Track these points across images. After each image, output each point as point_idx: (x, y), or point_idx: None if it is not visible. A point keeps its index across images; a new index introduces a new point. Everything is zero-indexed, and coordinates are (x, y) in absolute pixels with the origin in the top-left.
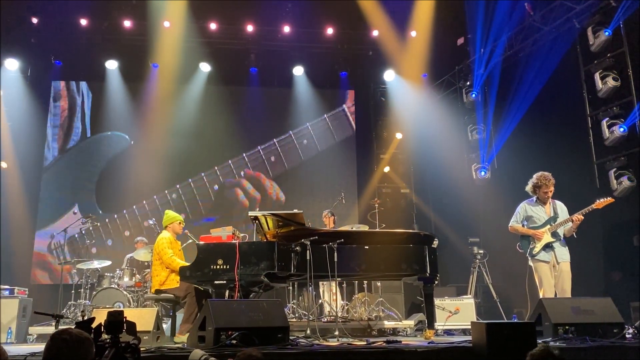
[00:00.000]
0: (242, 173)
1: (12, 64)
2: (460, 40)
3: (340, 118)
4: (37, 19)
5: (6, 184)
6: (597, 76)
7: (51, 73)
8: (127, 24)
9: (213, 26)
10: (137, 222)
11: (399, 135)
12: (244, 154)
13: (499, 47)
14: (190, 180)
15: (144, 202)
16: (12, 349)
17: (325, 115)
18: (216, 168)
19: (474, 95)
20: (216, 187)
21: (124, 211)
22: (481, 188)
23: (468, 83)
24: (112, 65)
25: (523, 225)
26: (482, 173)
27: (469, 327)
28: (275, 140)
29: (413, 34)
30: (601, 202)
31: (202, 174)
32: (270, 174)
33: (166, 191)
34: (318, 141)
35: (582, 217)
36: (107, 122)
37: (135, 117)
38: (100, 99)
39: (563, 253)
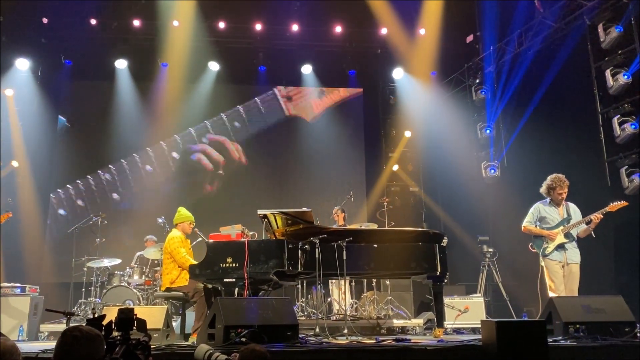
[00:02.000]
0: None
1: (23, 64)
2: (470, 38)
3: (270, 101)
4: (48, 19)
5: (18, 183)
6: (608, 73)
7: (61, 72)
8: (137, 23)
9: (222, 25)
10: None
11: (407, 134)
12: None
13: (508, 44)
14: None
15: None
16: (23, 346)
17: (256, 98)
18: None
19: (483, 92)
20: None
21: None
22: (491, 186)
23: (477, 81)
24: (121, 64)
25: (536, 226)
26: (492, 171)
27: (479, 325)
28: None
29: (422, 31)
30: (615, 205)
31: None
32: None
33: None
34: (250, 123)
35: (602, 216)
36: (116, 120)
37: (145, 116)
38: (110, 98)
39: (574, 254)
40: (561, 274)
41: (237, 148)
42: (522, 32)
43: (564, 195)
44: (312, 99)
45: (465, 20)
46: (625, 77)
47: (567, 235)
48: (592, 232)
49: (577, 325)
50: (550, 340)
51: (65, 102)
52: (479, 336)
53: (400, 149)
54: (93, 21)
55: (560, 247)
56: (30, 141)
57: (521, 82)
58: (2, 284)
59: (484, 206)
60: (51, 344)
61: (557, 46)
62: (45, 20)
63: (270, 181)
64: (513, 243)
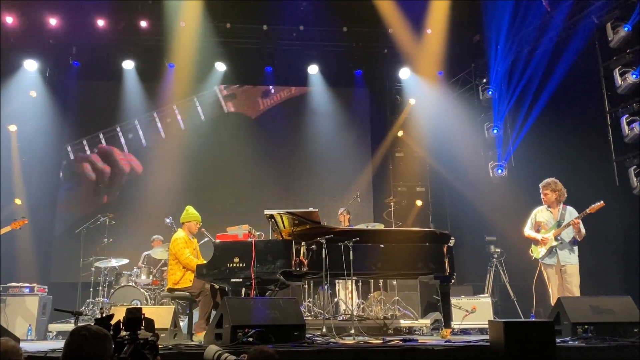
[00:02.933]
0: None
1: (32, 65)
2: (477, 38)
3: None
4: (56, 20)
5: (25, 183)
6: (616, 72)
7: (69, 73)
8: (144, 24)
9: (228, 26)
10: None
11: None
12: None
13: (515, 43)
14: None
15: None
16: (32, 346)
17: (194, 97)
18: None
19: (490, 92)
20: None
21: None
22: (498, 186)
23: (484, 80)
24: (128, 65)
25: (538, 231)
26: (499, 171)
27: (486, 326)
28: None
29: (428, 31)
30: (594, 207)
31: None
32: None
33: None
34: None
35: (579, 221)
36: (124, 122)
37: (152, 117)
38: (117, 99)
39: (567, 256)
40: (556, 278)
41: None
42: (529, 31)
43: (547, 198)
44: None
45: (472, 20)
46: (634, 76)
47: (558, 237)
48: (577, 236)
49: (586, 326)
50: (558, 341)
51: (73, 103)
52: (487, 336)
53: (407, 148)
54: (101, 22)
55: (552, 250)
56: (38, 142)
57: (528, 82)
58: (11, 284)
59: (491, 206)
60: (59, 343)
61: (564, 45)
62: (53, 22)
63: (277, 182)
64: (520, 243)
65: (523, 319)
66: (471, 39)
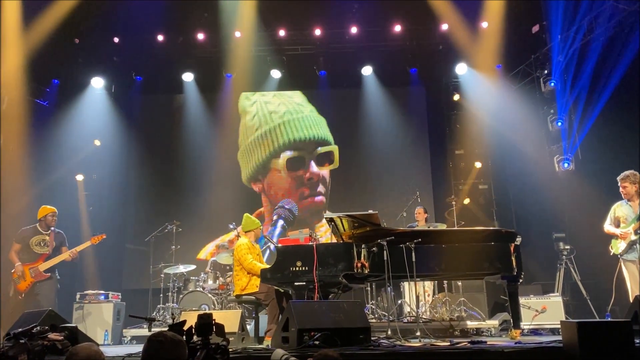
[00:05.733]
0: None
1: (98, 82)
2: (535, 28)
3: None
4: (118, 39)
5: (99, 193)
6: None
7: (133, 88)
8: (201, 36)
9: (282, 33)
10: None
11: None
12: None
13: (578, 32)
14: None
15: None
16: (109, 350)
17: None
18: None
19: (552, 83)
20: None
21: None
22: (565, 180)
23: (546, 72)
24: (188, 77)
25: (618, 226)
26: (566, 165)
27: (557, 326)
28: None
29: (484, 24)
30: None
31: None
32: None
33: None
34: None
35: None
36: (186, 133)
37: (212, 127)
38: (179, 111)
39: None
40: (636, 274)
41: None
42: (592, 18)
43: (626, 191)
44: None
45: (529, 10)
46: None
47: (638, 231)
48: None
49: None
50: (637, 341)
51: (137, 117)
52: (559, 337)
53: (467, 146)
54: (160, 37)
55: (632, 244)
56: (106, 156)
57: (593, 71)
58: (88, 292)
59: (558, 201)
60: (135, 348)
61: (631, 30)
62: (116, 40)
63: (334, 185)
64: (591, 239)
65: (598, 319)
66: (530, 29)
